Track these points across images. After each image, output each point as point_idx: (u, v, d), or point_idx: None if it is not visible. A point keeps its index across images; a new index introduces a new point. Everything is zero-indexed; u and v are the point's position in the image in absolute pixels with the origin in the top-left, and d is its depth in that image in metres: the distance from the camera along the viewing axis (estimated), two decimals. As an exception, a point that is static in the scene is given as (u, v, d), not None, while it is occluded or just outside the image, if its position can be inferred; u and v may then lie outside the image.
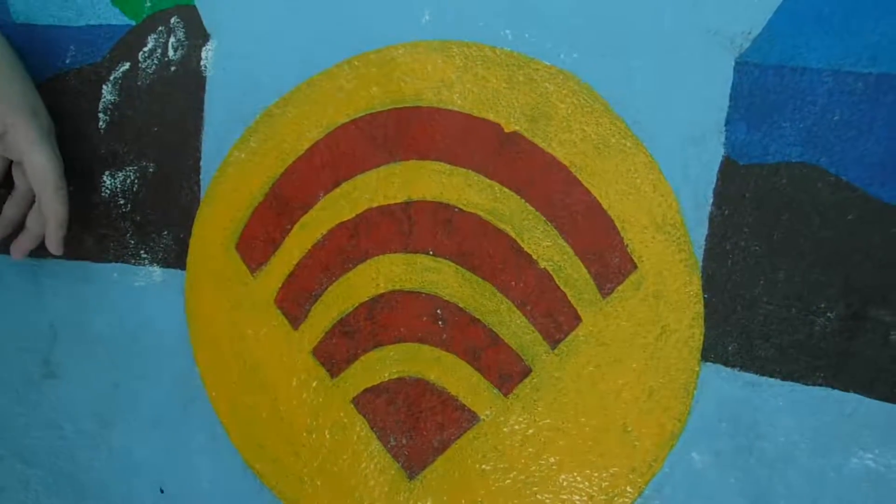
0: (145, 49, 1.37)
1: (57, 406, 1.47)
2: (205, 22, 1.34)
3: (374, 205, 1.23)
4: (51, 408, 1.47)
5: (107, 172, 1.40)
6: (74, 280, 1.44)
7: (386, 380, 1.25)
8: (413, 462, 1.24)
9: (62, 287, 1.45)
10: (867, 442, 1.02)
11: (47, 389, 1.47)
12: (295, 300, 1.29)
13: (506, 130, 1.17)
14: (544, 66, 1.15)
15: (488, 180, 1.18)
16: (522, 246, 1.17)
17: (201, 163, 1.35)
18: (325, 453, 1.29)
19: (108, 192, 1.40)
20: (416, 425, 1.24)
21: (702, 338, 1.09)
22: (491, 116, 1.17)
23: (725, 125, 1.07)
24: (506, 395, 1.19)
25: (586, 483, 1.15)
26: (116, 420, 1.43)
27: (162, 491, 1.40)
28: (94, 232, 1.42)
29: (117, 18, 1.39)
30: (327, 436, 1.28)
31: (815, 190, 1.03)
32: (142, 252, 1.39)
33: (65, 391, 1.46)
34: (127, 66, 1.38)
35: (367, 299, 1.25)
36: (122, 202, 1.40)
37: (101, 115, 1.41)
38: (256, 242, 1.31)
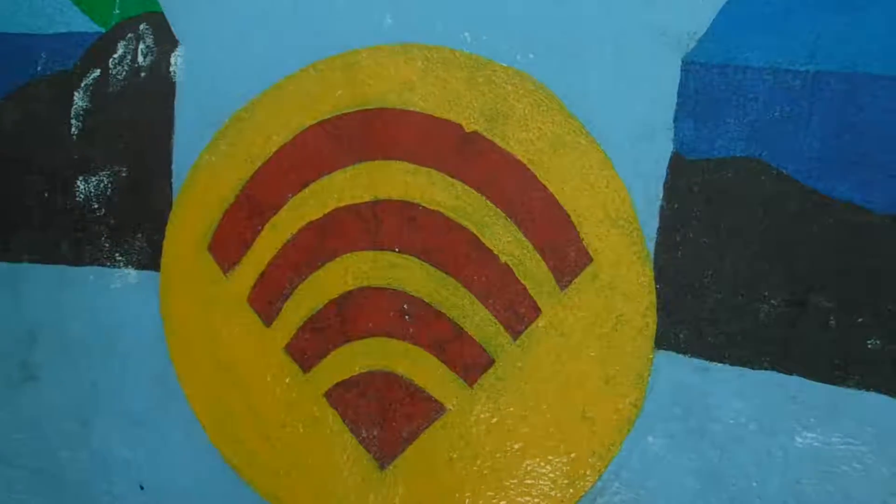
0: (115, 56, 1.38)
1: (37, 408, 1.46)
2: (173, 29, 1.34)
3: (342, 204, 1.25)
4: (31, 409, 1.47)
5: (80, 177, 1.40)
6: (51, 284, 1.44)
7: (356, 374, 1.26)
8: (384, 453, 1.26)
9: (39, 291, 1.45)
10: (810, 422, 1.05)
11: (27, 392, 1.47)
12: (267, 299, 1.30)
13: (466, 130, 1.20)
14: (502, 68, 1.18)
15: (450, 179, 1.20)
16: (484, 242, 1.19)
17: (173, 166, 1.36)
18: (299, 446, 1.30)
19: (82, 196, 1.41)
20: (386, 417, 1.25)
21: (655, 326, 1.13)
22: (452, 117, 1.20)
23: (674, 122, 1.11)
24: (471, 385, 1.21)
25: (549, 468, 1.18)
26: (96, 420, 1.43)
27: (142, 488, 1.41)
28: (70, 236, 1.42)
29: (87, 26, 1.39)
30: (301, 429, 1.30)
31: (759, 183, 1.06)
32: (117, 255, 1.40)
33: (45, 393, 1.46)
34: (98, 72, 1.39)
35: (336, 296, 1.26)
36: (95, 206, 1.40)
37: (73, 121, 1.41)
38: (228, 243, 1.32)
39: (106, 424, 1.44)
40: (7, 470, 1.50)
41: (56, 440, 1.47)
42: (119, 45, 1.38)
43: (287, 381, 1.30)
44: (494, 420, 1.20)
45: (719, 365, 1.09)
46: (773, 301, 1.06)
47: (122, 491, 1.43)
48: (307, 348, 1.29)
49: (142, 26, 1.36)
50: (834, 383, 1.04)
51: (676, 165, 1.10)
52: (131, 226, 1.39)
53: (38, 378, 1.47)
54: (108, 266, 1.41)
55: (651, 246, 1.12)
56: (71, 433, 1.46)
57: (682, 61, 1.10)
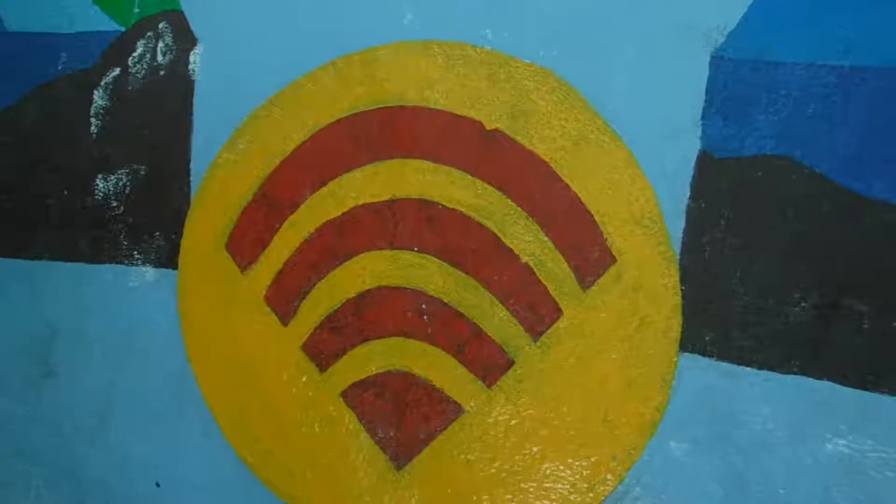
0: (135, 54, 1.33)
1: (56, 404, 1.42)
2: (192, 27, 1.30)
3: (360, 203, 1.20)
4: (50, 406, 1.43)
5: (99, 176, 1.36)
6: (70, 282, 1.40)
7: (373, 374, 1.21)
8: (400, 454, 1.20)
9: (59, 289, 1.41)
10: (841, 428, 0.99)
11: (46, 388, 1.42)
12: (284, 297, 1.25)
13: (487, 128, 1.13)
14: (524, 64, 1.12)
15: (471, 177, 1.14)
16: (504, 241, 1.13)
17: (191, 165, 1.31)
18: (315, 446, 1.25)
19: (101, 194, 1.36)
20: (402, 418, 1.20)
21: (680, 329, 1.06)
22: (472, 114, 1.14)
23: (702, 119, 1.04)
24: (489, 386, 1.15)
25: (568, 472, 1.12)
26: (113, 417, 1.38)
27: (158, 485, 1.36)
28: (88, 234, 1.38)
29: (107, 25, 1.35)
30: (317, 429, 1.24)
31: (790, 182, 1.00)
32: (135, 253, 1.35)
33: (63, 390, 1.41)
34: (117, 71, 1.34)
35: (353, 295, 1.21)
36: (114, 204, 1.35)
37: (93, 119, 1.36)
38: (246, 242, 1.27)
39: (123, 421, 1.39)
40: (26, 465, 1.46)
41: (74, 437, 1.42)
42: (139, 43, 1.33)
43: (304, 380, 1.25)
44: (513, 422, 1.14)
45: (746, 369, 1.03)
46: (803, 304, 0.99)
47: (139, 488, 1.39)
48: (324, 347, 1.23)
49: (161, 25, 1.31)
50: (866, 389, 0.98)
51: (704, 164, 1.04)
52: (149, 224, 1.35)
53: (57, 375, 1.43)
54: (127, 264, 1.37)
55: (677, 246, 1.06)
56: (89, 430, 1.41)
57: (711, 56, 1.03)
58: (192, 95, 1.30)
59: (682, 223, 1.05)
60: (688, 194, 1.05)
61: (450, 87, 1.15)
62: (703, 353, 1.05)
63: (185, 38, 1.30)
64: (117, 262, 1.37)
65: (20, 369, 1.44)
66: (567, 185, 1.10)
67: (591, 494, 1.11)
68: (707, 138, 1.03)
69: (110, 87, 1.35)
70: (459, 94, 1.14)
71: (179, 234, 1.32)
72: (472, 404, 1.16)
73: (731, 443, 1.04)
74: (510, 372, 1.14)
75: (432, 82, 1.16)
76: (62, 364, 1.42)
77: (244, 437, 1.29)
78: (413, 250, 1.18)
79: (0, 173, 1.41)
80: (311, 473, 1.25)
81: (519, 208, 1.12)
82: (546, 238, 1.11)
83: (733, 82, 1.02)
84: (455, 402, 1.17)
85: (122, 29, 1.34)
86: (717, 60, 1.02)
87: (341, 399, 1.23)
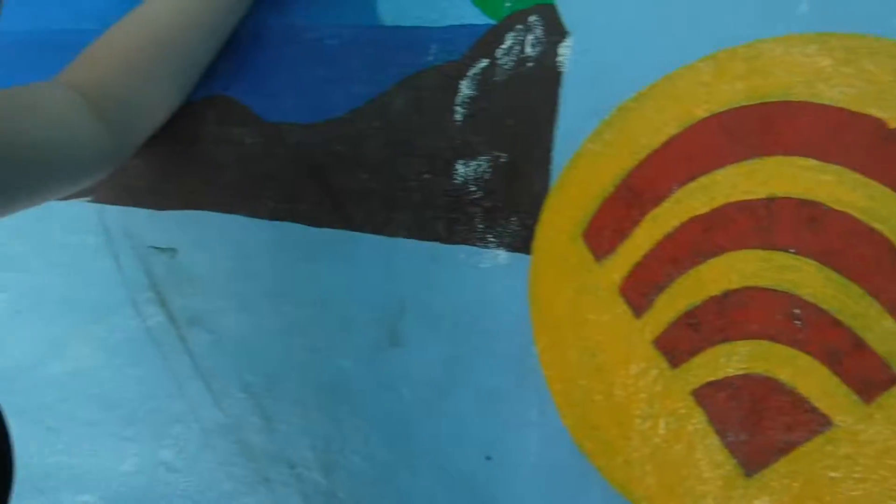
0: (503, 46, 1.38)
1: (399, 373, 1.51)
2: (564, 20, 1.33)
3: (732, 200, 1.17)
4: (393, 374, 1.52)
5: (460, 161, 1.43)
6: (424, 259, 1.48)
7: (731, 375, 1.18)
8: (752, 459, 1.16)
9: (413, 265, 1.49)
10: None
11: (392, 357, 1.52)
12: (640, 289, 1.24)
13: (890, 126, 1.04)
14: (944, 58, 1.02)
15: (864, 178, 1.07)
16: (900, 248, 1.04)
17: (552, 153, 1.32)
18: (657, 441, 1.24)
19: (461, 179, 1.42)
20: (758, 423, 1.15)
21: None
22: (873, 112, 1.06)
23: None
24: (867, 402, 1.07)
25: (957, 505, 1.01)
26: (451, 390, 1.45)
27: (488, 458, 1.40)
28: (445, 216, 1.45)
29: (478, 18, 1.42)
30: (662, 424, 1.23)
31: None
32: (489, 236, 1.40)
33: (407, 360, 1.50)
34: (485, 63, 1.40)
35: (717, 294, 1.18)
36: (472, 189, 1.42)
37: (457, 108, 1.43)
38: (604, 232, 1.28)
39: (461, 395, 1.45)
40: (366, 426, 1.57)
41: (413, 405, 1.50)
42: (508, 36, 1.38)
43: (653, 374, 1.24)
44: (893, 443, 1.03)
45: None
46: None
47: (469, 458, 1.44)
48: (679, 343, 1.21)
49: (532, 18, 1.35)
50: None
51: None
52: (506, 209, 1.40)
53: (403, 345, 1.52)
54: (479, 246, 1.43)
55: None
56: (427, 399, 1.49)
57: None
58: (558, 86, 1.33)
59: None
60: None
61: (848, 82, 1.07)
62: None
63: (555, 31, 1.33)
64: (470, 244, 1.43)
65: (370, 337, 1.55)
66: None
67: (984, 535, 1.00)
68: None
69: (477, 77, 1.41)
70: (859, 90, 1.07)
71: (535, 221, 1.35)
72: (842, 419, 1.09)
73: None
74: (894, 389, 1.05)
75: (826, 76, 1.09)
76: (408, 336, 1.50)
77: (582, 424, 1.31)
78: (789, 252, 1.12)
79: (367, 155, 1.50)
80: (650, 466, 1.24)
81: (921, 213, 1.03)
82: (953, 247, 1.01)
83: None
84: (823, 414, 1.10)
85: (493, 22, 1.39)
86: None
87: (692, 397, 1.21)
